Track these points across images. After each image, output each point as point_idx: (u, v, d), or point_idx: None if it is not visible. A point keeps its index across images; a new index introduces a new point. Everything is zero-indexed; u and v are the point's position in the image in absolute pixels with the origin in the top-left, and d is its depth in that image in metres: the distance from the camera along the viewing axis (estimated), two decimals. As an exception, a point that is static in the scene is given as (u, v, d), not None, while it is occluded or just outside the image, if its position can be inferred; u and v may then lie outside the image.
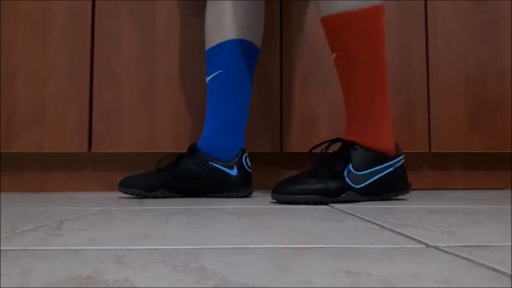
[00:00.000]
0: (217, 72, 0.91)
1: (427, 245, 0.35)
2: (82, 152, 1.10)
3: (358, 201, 0.73)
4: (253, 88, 1.10)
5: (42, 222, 0.49)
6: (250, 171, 0.92)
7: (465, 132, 1.12)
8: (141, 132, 1.10)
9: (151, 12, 1.12)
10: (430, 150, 1.11)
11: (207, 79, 0.94)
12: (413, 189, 0.79)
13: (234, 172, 0.89)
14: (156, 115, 1.10)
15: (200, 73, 1.11)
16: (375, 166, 0.74)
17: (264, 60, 1.11)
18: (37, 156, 1.13)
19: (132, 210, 0.62)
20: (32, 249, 0.34)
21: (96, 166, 1.13)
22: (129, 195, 0.91)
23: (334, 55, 0.78)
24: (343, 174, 0.72)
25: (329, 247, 0.34)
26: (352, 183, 0.72)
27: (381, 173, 0.75)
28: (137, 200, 0.82)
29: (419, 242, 0.36)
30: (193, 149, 0.90)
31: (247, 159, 0.92)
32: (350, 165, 0.73)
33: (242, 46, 0.91)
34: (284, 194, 0.72)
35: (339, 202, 0.72)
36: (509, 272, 0.26)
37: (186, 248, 0.34)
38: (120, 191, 0.88)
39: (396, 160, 0.77)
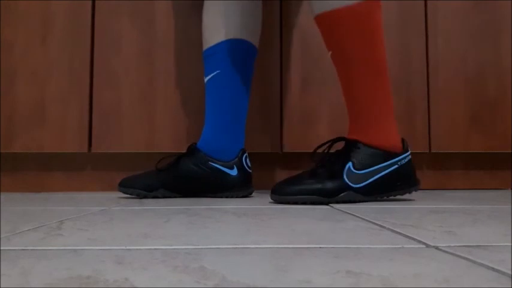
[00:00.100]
0: (215, 73, 0.91)
1: (427, 245, 0.35)
2: (82, 152, 1.10)
3: (359, 201, 0.73)
4: (253, 88, 1.10)
5: (42, 222, 0.49)
6: (250, 171, 0.92)
7: (465, 132, 1.12)
8: (141, 132, 1.10)
9: (151, 12, 1.12)
10: (430, 150, 1.11)
11: (205, 79, 0.94)
12: (416, 191, 0.79)
13: (234, 172, 0.89)
14: (156, 115, 1.10)
15: (200, 73, 1.11)
16: (378, 164, 0.73)
17: (264, 60, 1.11)
18: (37, 156, 1.13)
19: (132, 210, 0.62)
20: (32, 249, 0.34)
21: (96, 166, 1.13)
22: (129, 195, 0.91)
23: (330, 53, 0.78)
24: (342, 173, 0.72)
25: (329, 247, 0.34)
26: (351, 182, 0.72)
27: (384, 170, 0.74)
28: (137, 200, 0.82)
29: (419, 242, 0.36)
30: (193, 149, 0.90)
31: (247, 159, 0.92)
32: (350, 164, 0.73)
33: (240, 46, 0.92)
34: (283, 195, 0.72)
35: (338, 202, 0.72)
36: (509, 272, 0.26)
37: (186, 248, 0.34)
38: (120, 191, 0.88)
39: (402, 157, 0.75)
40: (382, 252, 0.32)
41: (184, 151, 0.95)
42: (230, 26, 0.91)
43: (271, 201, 0.76)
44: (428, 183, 1.15)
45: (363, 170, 0.73)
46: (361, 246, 0.35)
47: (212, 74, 0.92)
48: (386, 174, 0.74)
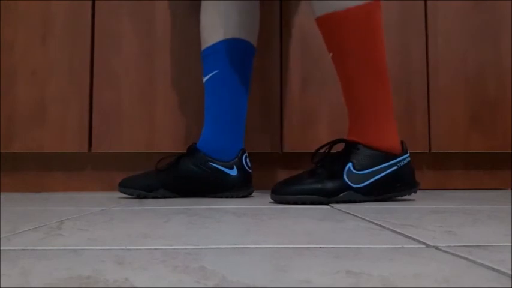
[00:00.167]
0: (214, 72, 0.91)
1: (427, 245, 0.35)
2: (82, 152, 1.10)
3: (358, 201, 0.73)
4: (253, 88, 1.10)
5: (42, 222, 0.49)
6: (250, 171, 0.92)
7: (465, 132, 1.12)
8: (141, 132, 1.10)
9: (151, 12, 1.12)
10: (430, 150, 1.11)
11: (204, 79, 0.94)
12: (415, 193, 0.79)
13: (233, 172, 0.89)
14: (156, 115, 1.10)
15: (200, 73, 1.11)
16: (377, 165, 0.74)
17: (264, 60, 1.11)
18: (37, 156, 1.13)
19: (132, 210, 0.62)
20: (32, 249, 0.34)
21: (96, 166, 1.13)
22: (129, 195, 0.91)
23: (330, 55, 0.78)
24: (342, 174, 0.72)
25: (329, 247, 0.34)
26: (351, 182, 0.72)
27: (383, 171, 0.74)
28: (137, 200, 0.82)
29: (419, 242, 0.36)
30: (193, 149, 0.90)
31: (247, 159, 0.92)
32: (350, 165, 0.73)
33: (238, 45, 0.92)
34: (282, 195, 0.72)
35: (338, 202, 0.72)
36: (509, 272, 0.26)
37: (186, 248, 0.34)
38: (120, 191, 0.88)
39: (401, 158, 0.76)
40: (382, 252, 0.32)
41: (184, 151, 0.95)
42: (228, 26, 0.91)
43: (271, 201, 0.76)
44: (428, 183, 1.15)
45: (363, 170, 0.73)
46: (361, 246, 0.35)
47: (211, 74, 0.92)
48: (386, 175, 0.74)
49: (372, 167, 0.73)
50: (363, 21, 0.73)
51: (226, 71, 0.91)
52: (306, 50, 1.12)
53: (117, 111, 1.10)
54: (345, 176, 0.72)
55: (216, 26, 0.91)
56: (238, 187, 0.89)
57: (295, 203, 0.71)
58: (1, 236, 0.40)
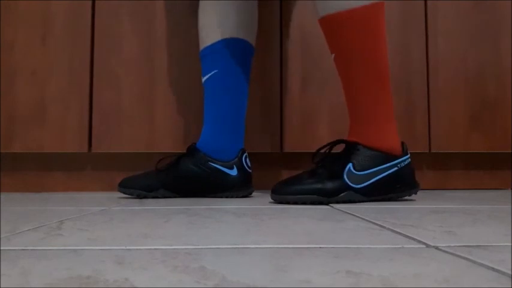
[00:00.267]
0: (213, 72, 0.91)
1: (427, 245, 0.35)
2: (82, 152, 1.10)
3: (358, 201, 0.73)
4: (253, 88, 1.10)
5: (42, 222, 0.49)
6: (250, 171, 0.92)
7: (465, 132, 1.12)
8: (141, 132, 1.10)
9: (151, 12, 1.12)
10: (430, 150, 1.11)
11: (203, 79, 0.93)
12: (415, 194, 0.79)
13: (233, 172, 0.89)
14: (156, 115, 1.10)
15: (200, 73, 1.11)
16: (378, 166, 0.74)
17: (264, 60, 1.11)
18: (37, 156, 1.13)
19: (132, 210, 0.62)
20: (32, 249, 0.34)
21: (96, 166, 1.13)
22: (128, 196, 0.91)
23: (333, 55, 0.78)
24: (343, 174, 0.72)
25: (329, 247, 0.34)
26: (351, 183, 0.72)
27: (384, 172, 0.74)
28: (137, 200, 0.82)
29: (419, 242, 0.36)
30: (192, 149, 0.90)
31: (247, 159, 0.92)
32: (350, 165, 0.73)
33: (237, 45, 0.91)
34: (283, 195, 0.72)
35: (338, 202, 0.72)
36: (509, 272, 0.26)
37: (186, 248, 0.34)
38: (120, 191, 0.88)
39: (401, 159, 0.76)
40: (382, 252, 0.32)
41: (184, 151, 0.95)
42: (226, 25, 0.91)
43: (271, 201, 0.76)
44: (428, 183, 1.15)
45: (363, 171, 0.73)
46: (361, 246, 0.35)
47: (210, 74, 0.92)
48: (386, 176, 0.74)
49: (372, 168, 0.73)
50: (365, 22, 0.73)
51: (225, 71, 0.91)
52: (306, 50, 1.12)
53: (117, 111, 1.10)
54: (345, 176, 0.72)
55: (215, 25, 0.91)
56: (238, 187, 0.89)
57: (295, 203, 0.71)
58: (1, 236, 0.40)
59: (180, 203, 0.75)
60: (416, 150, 1.10)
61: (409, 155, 0.77)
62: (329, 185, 0.71)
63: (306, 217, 0.53)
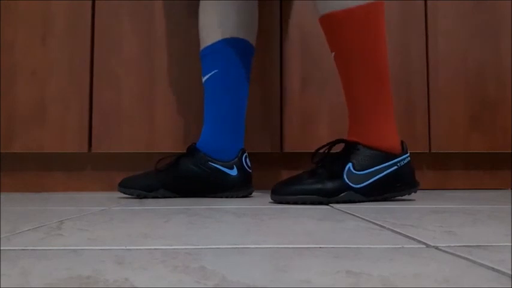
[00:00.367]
0: (213, 72, 0.91)
1: (427, 245, 0.35)
2: (82, 152, 1.10)
3: (359, 201, 0.73)
4: (253, 88, 1.10)
5: (42, 222, 0.49)
6: (250, 171, 0.92)
7: (465, 132, 1.12)
8: (141, 132, 1.10)
9: (151, 12, 1.12)
10: (430, 150, 1.11)
11: (203, 79, 0.94)
12: (415, 192, 0.79)
13: (233, 172, 0.89)
14: (156, 115, 1.10)
15: (200, 73, 1.11)
16: (377, 165, 0.74)
17: (264, 60, 1.11)
18: (37, 156, 1.13)
19: (132, 210, 0.62)
20: (32, 249, 0.34)
21: (96, 166, 1.13)
22: (128, 196, 0.91)
23: (333, 54, 0.78)
24: (342, 174, 0.72)
25: (329, 247, 0.34)
26: (351, 183, 0.72)
27: (383, 171, 0.74)
28: (137, 200, 0.82)
29: (419, 242, 0.36)
30: (192, 149, 0.90)
31: (247, 159, 0.92)
32: (350, 165, 0.73)
33: (237, 44, 0.91)
34: (283, 195, 0.72)
35: (338, 202, 0.72)
36: (509, 272, 0.26)
37: (186, 248, 0.34)
38: (120, 191, 0.88)
39: (401, 158, 0.76)
40: (382, 252, 0.32)
41: (184, 151, 0.95)
42: (227, 25, 0.91)
43: (271, 201, 0.76)
44: (428, 183, 1.15)
45: (363, 170, 0.73)
46: (361, 246, 0.35)
47: (210, 74, 0.92)
48: (386, 175, 0.74)
49: (372, 167, 0.73)
50: (365, 21, 0.73)
51: (225, 71, 0.91)
52: (306, 50, 1.12)
53: (117, 111, 1.10)
54: (345, 176, 0.72)
55: (215, 25, 0.91)
56: (238, 187, 0.89)
57: (295, 203, 0.71)
58: (1, 236, 0.40)
59: (180, 203, 0.75)
60: (416, 150, 1.10)
61: (408, 154, 0.77)
62: (329, 185, 0.71)
63: (306, 217, 0.53)
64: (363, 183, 0.73)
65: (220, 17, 0.91)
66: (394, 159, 0.75)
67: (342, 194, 0.72)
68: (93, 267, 0.28)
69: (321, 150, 0.79)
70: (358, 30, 0.73)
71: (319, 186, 0.71)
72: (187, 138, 1.10)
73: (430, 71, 1.13)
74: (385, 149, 0.75)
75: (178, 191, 0.89)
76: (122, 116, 1.10)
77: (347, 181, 0.72)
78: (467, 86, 1.13)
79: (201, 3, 0.94)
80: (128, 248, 0.34)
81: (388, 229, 0.43)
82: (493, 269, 0.27)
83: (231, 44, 0.91)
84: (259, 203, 0.75)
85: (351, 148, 0.75)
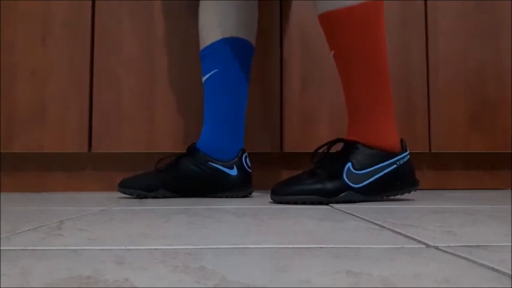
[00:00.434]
0: (213, 72, 0.91)
1: (427, 245, 0.35)
2: (82, 152, 1.10)
3: (359, 201, 0.73)
4: (253, 88, 1.10)
5: (42, 222, 0.49)
6: (250, 171, 0.92)
7: (465, 132, 1.12)
8: (141, 132, 1.10)
9: (151, 12, 1.12)
10: (430, 150, 1.11)
11: (203, 79, 0.93)
12: (415, 191, 0.79)
13: (233, 172, 0.89)
14: (156, 115, 1.10)
15: (200, 73, 1.11)
16: (377, 164, 0.74)
17: (264, 60, 1.11)
18: (37, 156, 1.13)
19: (132, 210, 0.62)
20: (32, 249, 0.34)
21: (96, 166, 1.13)
22: (129, 196, 0.91)
23: (332, 52, 0.78)
24: (342, 174, 0.72)
25: (329, 247, 0.34)
26: (351, 182, 0.72)
27: (383, 170, 0.74)
28: (137, 200, 0.81)
29: (419, 242, 0.36)
30: (192, 149, 0.90)
31: (247, 159, 0.92)
32: (349, 165, 0.73)
33: (237, 44, 0.91)
34: (282, 195, 0.72)
35: (338, 202, 0.72)
36: (509, 272, 0.26)
37: (186, 248, 0.34)
38: (120, 191, 0.88)
39: (400, 157, 0.76)
40: (382, 252, 0.32)
41: (184, 151, 0.95)
42: (227, 25, 0.91)
43: (271, 201, 0.76)
44: (428, 183, 1.15)
45: (363, 170, 0.73)
46: (361, 246, 0.35)
47: (210, 73, 0.92)
48: (385, 174, 0.74)
49: (371, 166, 0.73)
50: (364, 19, 0.73)
51: (225, 70, 0.91)
52: (306, 50, 1.12)
53: (117, 111, 1.10)
54: (344, 176, 0.72)
55: (215, 25, 0.91)
56: (238, 187, 0.89)
57: (295, 203, 0.71)
58: (1, 236, 0.40)
59: (180, 203, 0.75)
60: (416, 150, 1.10)
61: (408, 152, 0.77)
62: (329, 185, 0.71)
63: (306, 217, 0.53)
64: (362, 182, 0.73)
65: (220, 17, 0.91)
66: (393, 157, 0.75)
67: (342, 194, 0.72)
68: (93, 267, 0.28)
69: (320, 150, 0.78)
70: (358, 28, 0.73)
71: (319, 186, 0.71)
72: (187, 138, 1.10)
73: (430, 71, 1.13)
74: (385, 147, 0.75)
75: (178, 191, 0.89)
76: (122, 116, 1.10)
77: (347, 181, 0.72)
78: (467, 86, 1.13)
79: (201, 3, 0.94)
80: (128, 248, 0.34)
81: (388, 229, 0.43)
82: (493, 269, 0.27)
83: (231, 43, 0.91)
84: (259, 203, 0.75)
85: (350, 147, 0.75)
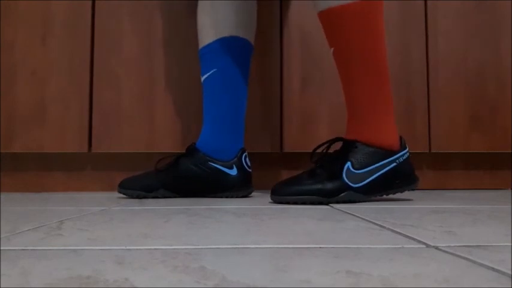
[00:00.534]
0: (212, 71, 0.91)
1: (427, 245, 0.35)
2: (82, 152, 1.10)
3: (359, 201, 0.73)
4: (253, 88, 1.10)
5: (42, 222, 0.49)
6: (250, 171, 0.92)
7: (465, 132, 1.12)
8: (141, 132, 1.10)
9: (151, 12, 1.12)
10: (430, 150, 1.11)
11: (202, 78, 0.93)
12: (413, 189, 0.79)
13: (233, 172, 0.89)
14: (156, 115, 1.10)
15: (200, 73, 1.10)
16: (377, 163, 0.74)
17: (264, 60, 1.11)
18: (37, 156, 1.13)
19: (132, 210, 0.62)
20: (32, 249, 0.34)
21: (96, 166, 1.13)
22: (129, 196, 0.91)
23: (332, 49, 0.78)
24: (342, 174, 0.72)
25: (329, 247, 0.34)
26: (350, 182, 0.72)
27: (383, 169, 0.74)
28: (137, 200, 0.81)
29: (419, 242, 0.36)
30: (192, 149, 0.90)
31: (247, 159, 0.92)
32: (349, 164, 0.73)
33: (236, 43, 0.91)
34: (282, 195, 0.72)
35: (338, 202, 0.72)
36: (509, 272, 0.26)
37: (186, 248, 0.34)
38: (120, 192, 0.88)
39: (400, 155, 0.75)
40: (382, 252, 0.32)
41: (184, 151, 0.95)
42: (225, 25, 0.91)
43: (271, 201, 0.76)
44: (428, 183, 1.15)
45: (362, 169, 0.73)
46: (361, 246, 0.35)
47: (209, 73, 0.92)
48: (385, 172, 0.74)
49: (370, 165, 0.73)
50: (364, 17, 0.73)
51: (224, 69, 0.91)
52: (306, 50, 1.12)
53: (117, 111, 1.10)
54: (344, 176, 0.72)
55: (213, 24, 0.91)
56: (238, 187, 0.89)
57: (295, 203, 0.71)
58: (1, 236, 0.40)
59: (180, 203, 0.75)
60: (416, 150, 1.10)
61: (407, 150, 0.77)
62: (329, 185, 0.71)
63: (306, 217, 0.53)
64: (362, 182, 0.73)
65: (219, 17, 0.91)
66: (392, 155, 0.75)
67: (342, 194, 0.72)
68: (93, 267, 0.28)
69: (320, 150, 0.78)
70: (357, 26, 0.73)
71: (319, 186, 0.71)
72: (187, 138, 1.10)
73: (430, 71, 1.13)
74: (384, 146, 0.75)
75: (178, 191, 0.89)
76: (122, 116, 1.10)
77: (346, 181, 0.72)
78: (467, 86, 1.13)
79: (200, 3, 0.94)
80: (128, 248, 0.34)
81: (388, 229, 0.43)
82: (493, 269, 0.27)
83: (230, 42, 0.91)
84: (259, 203, 0.75)
85: (349, 146, 0.74)
